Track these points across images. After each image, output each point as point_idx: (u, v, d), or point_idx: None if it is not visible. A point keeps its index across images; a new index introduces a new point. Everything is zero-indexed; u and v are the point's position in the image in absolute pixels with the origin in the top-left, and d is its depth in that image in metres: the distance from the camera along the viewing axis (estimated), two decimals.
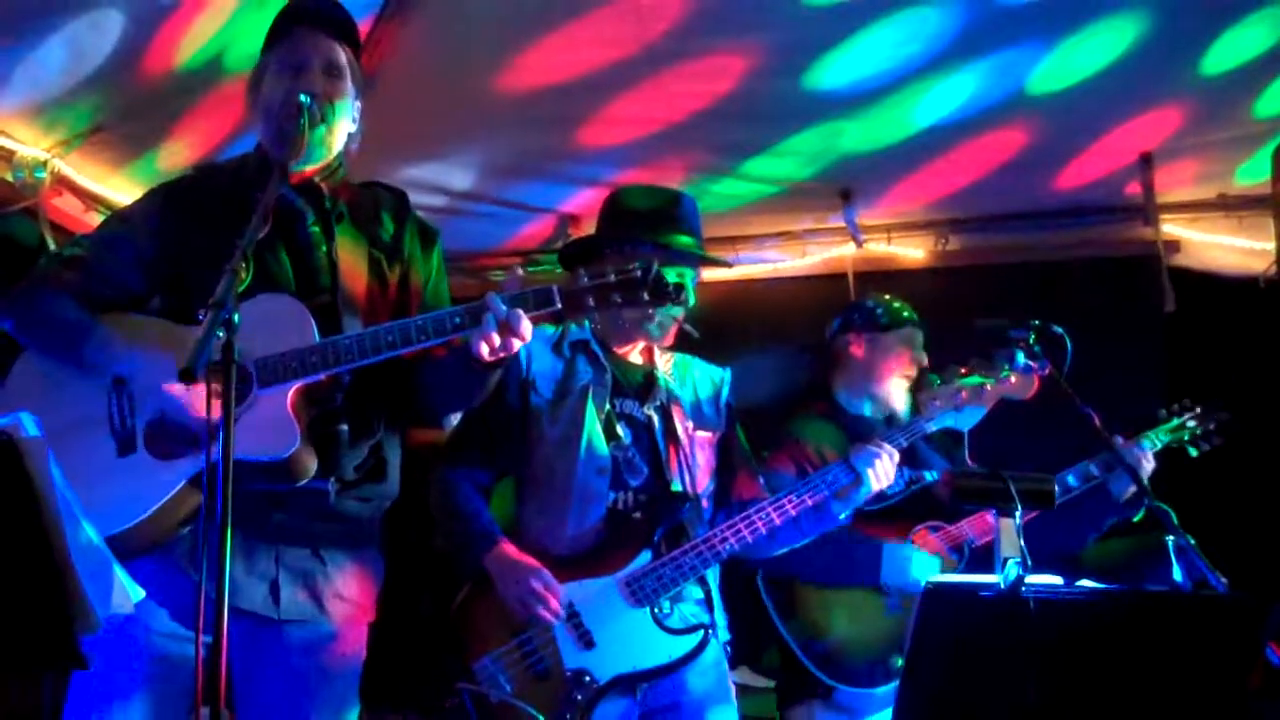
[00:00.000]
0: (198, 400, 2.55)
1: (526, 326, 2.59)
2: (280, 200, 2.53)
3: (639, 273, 2.62)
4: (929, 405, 3.55)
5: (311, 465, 2.63)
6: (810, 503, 3.38)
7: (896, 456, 3.45)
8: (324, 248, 2.83)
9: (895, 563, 3.90)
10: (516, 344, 2.62)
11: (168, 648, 2.64)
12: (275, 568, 2.73)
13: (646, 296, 2.62)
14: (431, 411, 2.94)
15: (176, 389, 2.57)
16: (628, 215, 3.50)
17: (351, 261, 2.85)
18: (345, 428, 2.74)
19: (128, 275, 2.79)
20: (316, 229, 2.84)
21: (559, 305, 2.62)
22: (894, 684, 3.59)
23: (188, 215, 2.82)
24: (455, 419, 3.48)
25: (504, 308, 2.58)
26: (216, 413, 2.13)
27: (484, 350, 2.59)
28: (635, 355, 3.60)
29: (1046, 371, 3.53)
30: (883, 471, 3.41)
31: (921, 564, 3.93)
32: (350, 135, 2.92)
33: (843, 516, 3.47)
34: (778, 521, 3.35)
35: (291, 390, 2.59)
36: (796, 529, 3.46)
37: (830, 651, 3.88)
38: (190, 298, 2.67)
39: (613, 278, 2.62)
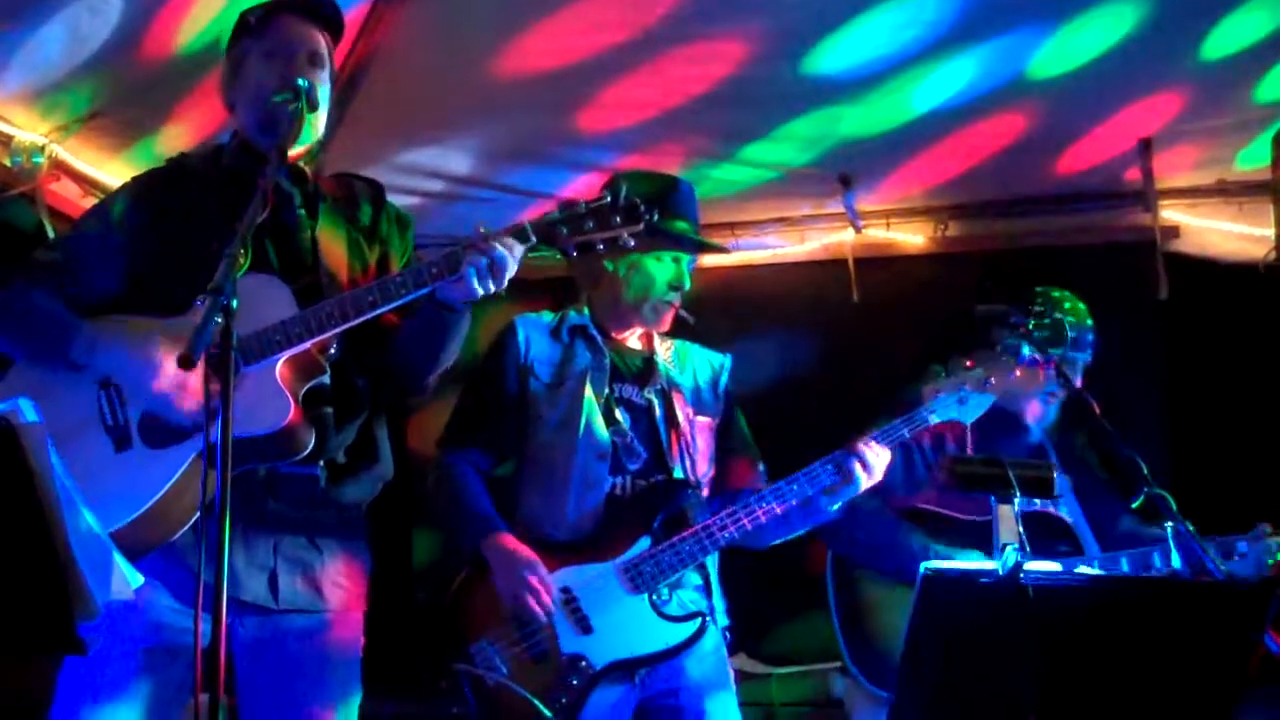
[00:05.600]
0: (186, 388, 2.55)
1: (505, 255, 2.62)
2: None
3: (609, 198, 2.66)
4: (933, 397, 3.53)
5: (308, 439, 2.62)
6: (796, 503, 3.35)
7: (886, 454, 3.41)
8: (308, 229, 2.84)
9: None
10: (506, 275, 2.65)
11: (163, 637, 2.64)
12: (274, 558, 2.74)
13: (619, 220, 2.66)
14: (410, 370, 2.90)
15: (163, 383, 2.57)
16: None
17: (333, 243, 2.86)
18: (330, 410, 2.74)
19: (105, 274, 2.77)
20: (303, 211, 2.85)
21: (533, 240, 2.66)
22: None
23: (166, 208, 2.81)
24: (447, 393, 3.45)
25: (491, 243, 2.62)
26: (212, 397, 2.13)
27: (475, 286, 2.62)
28: (634, 340, 3.60)
29: (1052, 364, 3.51)
30: (875, 467, 3.35)
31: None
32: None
33: (834, 509, 3.44)
34: (779, 511, 3.33)
35: (279, 363, 2.59)
36: (785, 524, 3.43)
37: (869, 643, 3.80)
38: (173, 289, 2.66)
39: (583, 207, 2.67)
